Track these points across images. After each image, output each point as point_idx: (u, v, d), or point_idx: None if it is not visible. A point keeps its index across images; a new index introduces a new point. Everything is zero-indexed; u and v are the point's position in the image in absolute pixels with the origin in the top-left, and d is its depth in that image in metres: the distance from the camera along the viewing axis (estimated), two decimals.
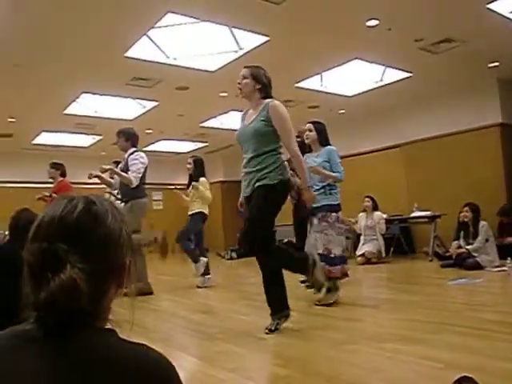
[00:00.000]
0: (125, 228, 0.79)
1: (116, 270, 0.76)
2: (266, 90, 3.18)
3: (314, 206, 3.92)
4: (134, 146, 5.15)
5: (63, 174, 6.28)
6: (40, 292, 0.67)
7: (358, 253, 7.50)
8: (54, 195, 5.80)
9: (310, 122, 4.31)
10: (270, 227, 3.09)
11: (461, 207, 6.29)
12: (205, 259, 5.62)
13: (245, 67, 3.25)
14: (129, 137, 5.14)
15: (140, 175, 4.93)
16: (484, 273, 5.47)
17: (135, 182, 4.87)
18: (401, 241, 8.17)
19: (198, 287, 5.53)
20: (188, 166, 5.95)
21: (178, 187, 6.20)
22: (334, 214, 4.04)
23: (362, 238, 7.65)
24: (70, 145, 10.78)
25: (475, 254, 5.87)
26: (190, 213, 5.84)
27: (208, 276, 5.62)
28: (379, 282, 5.80)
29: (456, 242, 6.24)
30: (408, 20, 5.28)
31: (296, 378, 2.18)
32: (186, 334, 3.29)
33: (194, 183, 5.77)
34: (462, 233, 6.22)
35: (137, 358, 0.69)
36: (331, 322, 3.37)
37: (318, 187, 4.08)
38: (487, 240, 5.97)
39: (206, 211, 5.84)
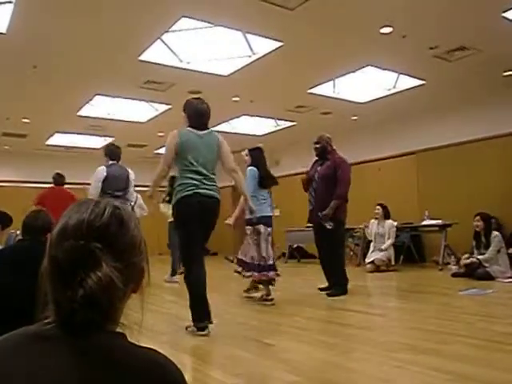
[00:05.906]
0: (142, 235, 0.81)
1: (136, 274, 0.78)
2: None
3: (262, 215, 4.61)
4: (112, 159, 5.36)
5: (56, 183, 6.73)
6: (73, 289, 0.68)
7: (368, 260, 7.45)
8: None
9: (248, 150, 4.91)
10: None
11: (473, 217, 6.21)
12: (176, 282, 6.16)
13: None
14: (106, 153, 5.41)
15: (95, 191, 5.06)
16: (495, 283, 5.40)
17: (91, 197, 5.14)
18: (411, 249, 8.10)
19: (166, 281, 6.52)
20: None
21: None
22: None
23: (371, 245, 7.59)
24: (83, 146, 10.88)
25: (486, 265, 5.80)
26: None
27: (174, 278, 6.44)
28: (389, 291, 5.74)
29: (467, 254, 6.14)
30: (423, 28, 5.25)
31: None
32: (193, 337, 3.28)
33: None
34: (474, 242, 6.14)
35: (145, 361, 0.70)
36: (340, 330, 3.35)
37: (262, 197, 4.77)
38: (499, 251, 5.89)
39: None
